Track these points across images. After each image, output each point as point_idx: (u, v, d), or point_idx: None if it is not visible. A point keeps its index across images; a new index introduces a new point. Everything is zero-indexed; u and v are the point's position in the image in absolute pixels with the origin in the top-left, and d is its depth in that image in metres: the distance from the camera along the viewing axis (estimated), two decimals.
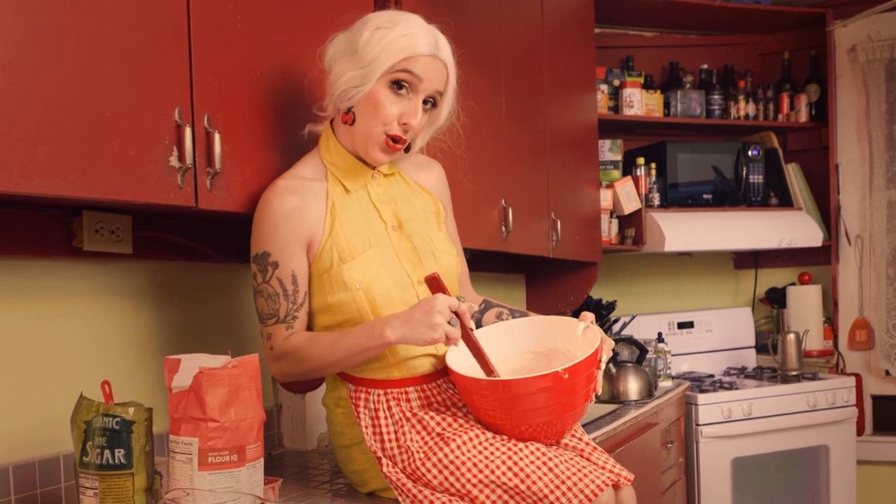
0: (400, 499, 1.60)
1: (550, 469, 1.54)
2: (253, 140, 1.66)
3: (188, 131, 1.47)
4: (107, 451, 1.42)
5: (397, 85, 1.61)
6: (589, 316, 1.71)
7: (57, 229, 1.66)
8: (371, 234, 1.67)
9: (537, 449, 1.58)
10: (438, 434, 1.60)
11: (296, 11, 1.79)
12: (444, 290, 1.57)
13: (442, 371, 1.71)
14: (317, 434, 2.25)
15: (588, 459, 1.67)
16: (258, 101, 1.68)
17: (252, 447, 1.47)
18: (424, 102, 1.64)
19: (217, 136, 1.53)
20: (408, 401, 1.67)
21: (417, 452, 1.59)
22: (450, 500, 1.56)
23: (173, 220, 1.88)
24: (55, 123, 1.25)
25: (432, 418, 1.63)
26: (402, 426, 1.63)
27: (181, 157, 1.46)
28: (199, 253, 1.97)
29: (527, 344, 1.76)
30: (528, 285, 3.80)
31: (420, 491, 1.59)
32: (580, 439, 1.73)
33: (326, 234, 1.64)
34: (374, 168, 1.72)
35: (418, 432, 1.62)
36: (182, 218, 1.88)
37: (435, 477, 1.57)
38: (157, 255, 1.88)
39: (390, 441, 1.63)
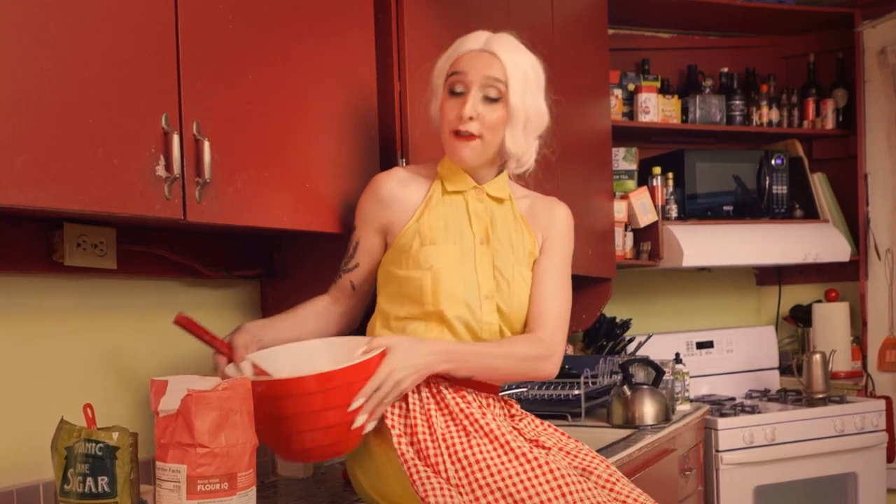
0: (409, 476, 1.63)
1: (563, 495, 1.58)
2: (245, 149, 1.66)
3: (176, 139, 1.47)
4: (89, 479, 1.42)
5: (453, 90, 1.82)
6: (377, 343, 1.68)
7: (36, 243, 1.66)
8: (458, 238, 1.84)
9: (557, 469, 1.62)
10: (460, 423, 1.70)
11: (290, 11, 1.79)
12: (195, 330, 1.66)
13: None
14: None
15: (612, 489, 1.70)
16: (251, 107, 1.68)
17: (244, 474, 1.47)
18: (490, 101, 1.79)
19: (207, 145, 1.53)
20: (436, 382, 1.76)
21: (437, 436, 1.68)
22: (450, 491, 1.60)
23: (160, 233, 1.88)
24: (34, 131, 1.25)
25: (457, 404, 1.73)
26: (428, 405, 1.73)
27: (168, 167, 1.46)
28: (187, 268, 1.97)
29: (314, 364, 1.71)
30: None
31: (428, 478, 1.61)
32: (608, 467, 1.77)
33: (414, 220, 1.84)
34: (479, 184, 1.88)
35: (443, 414, 1.72)
36: (169, 231, 1.88)
37: (444, 461, 1.64)
38: (142, 271, 1.88)
39: (414, 418, 1.71)
